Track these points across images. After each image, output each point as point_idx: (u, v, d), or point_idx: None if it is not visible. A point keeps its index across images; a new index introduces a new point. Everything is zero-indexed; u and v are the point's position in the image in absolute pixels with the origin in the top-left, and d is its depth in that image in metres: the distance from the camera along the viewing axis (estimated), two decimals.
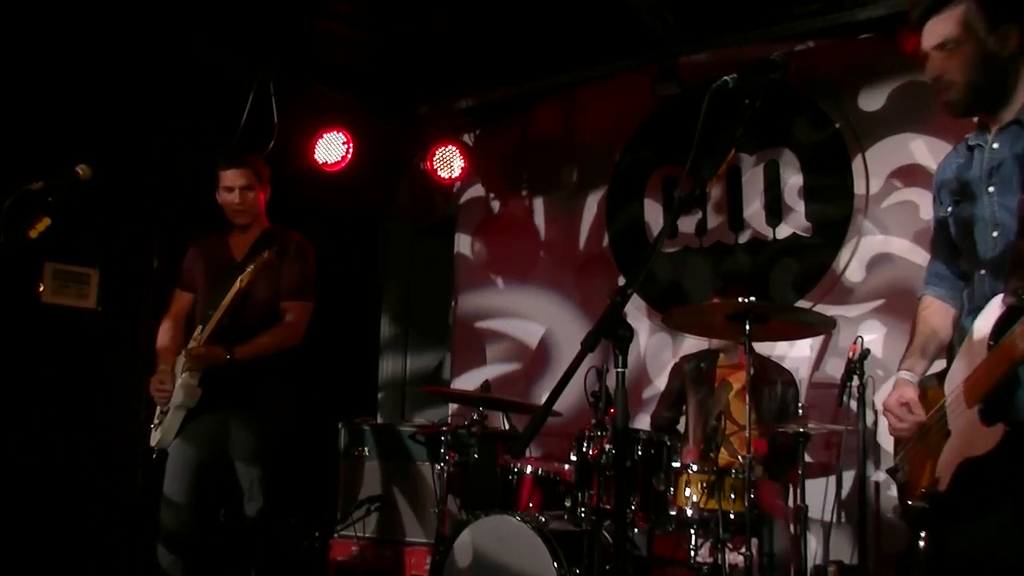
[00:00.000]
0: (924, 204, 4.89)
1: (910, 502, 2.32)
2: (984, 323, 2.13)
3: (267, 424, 3.98)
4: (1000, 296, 2.13)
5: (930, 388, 2.33)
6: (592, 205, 6.26)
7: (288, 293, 4.07)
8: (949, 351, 2.36)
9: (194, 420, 3.92)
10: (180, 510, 3.85)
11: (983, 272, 2.25)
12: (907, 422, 2.31)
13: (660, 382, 5.44)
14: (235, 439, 3.94)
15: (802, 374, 5.11)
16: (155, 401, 4.01)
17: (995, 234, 2.22)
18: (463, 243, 6.74)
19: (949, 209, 2.37)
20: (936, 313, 2.47)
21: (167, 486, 3.91)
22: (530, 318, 6.38)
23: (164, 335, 4.18)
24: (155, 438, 4.00)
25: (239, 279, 3.82)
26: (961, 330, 2.27)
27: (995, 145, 2.26)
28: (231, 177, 4.09)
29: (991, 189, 2.24)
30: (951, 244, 2.39)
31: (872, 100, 5.26)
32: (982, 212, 2.26)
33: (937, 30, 2.25)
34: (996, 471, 2.07)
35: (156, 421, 4.02)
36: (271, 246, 4.00)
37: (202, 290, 4.15)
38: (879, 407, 3.20)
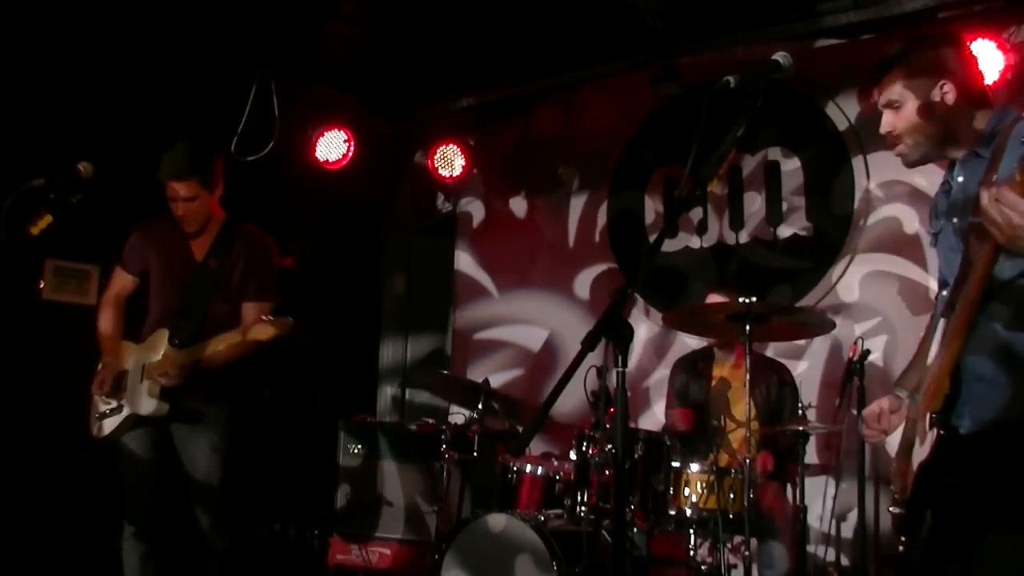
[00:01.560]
0: (922, 205, 4.90)
1: (890, 509, 2.44)
2: (936, 340, 2.34)
3: (223, 429, 3.83)
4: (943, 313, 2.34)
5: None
6: (592, 205, 6.26)
7: (249, 294, 3.89)
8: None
9: (146, 423, 3.80)
10: (145, 502, 3.80)
11: (944, 293, 2.42)
12: (874, 430, 2.48)
13: (660, 381, 5.45)
14: (191, 445, 3.81)
15: (803, 375, 5.11)
16: (100, 396, 3.86)
17: (960, 260, 2.35)
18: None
19: (933, 242, 2.57)
20: (930, 335, 2.59)
21: (131, 480, 3.81)
22: (531, 322, 6.37)
23: (106, 321, 4.02)
24: (104, 428, 3.86)
25: (235, 334, 3.64)
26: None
27: (959, 178, 2.41)
28: (172, 189, 3.81)
29: (955, 220, 2.39)
30: (941, 272, 2.56)
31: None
32: (949, 241, 2.43)
33: (885, 90, 2.45)
34: (932, 477, 2.23)
35: (103, 411, 3.88)
36: (232, 245, 3.90)
37: (157, 284, 3.95)
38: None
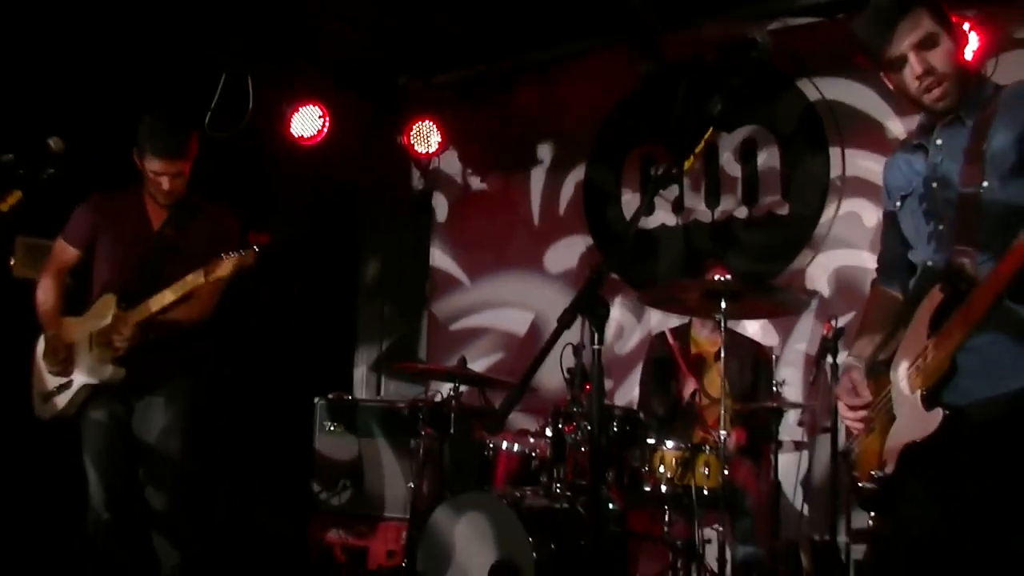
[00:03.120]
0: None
1: (860, 484, 2.41)
2: (924, 312, 2.24)
3: (183, 403, 3.74)
4: (938, 286, 2.22)
5: (880, 375, 2.39)
6: (571, 182, 6.25)
7: (202, 264, 3.66)
8: (894, 338, 2.40)
9: (104, 395, 3.69)
10: (108, 479, 3.68)
11: (929, 264, 2.34)
12: (856, 405, 2.39)
13: (635, 357, 5.47)
14: (148, 418, 3.71)
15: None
16: (52, 372, 3.73)
17: (940, 227, 2.30)
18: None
19: (898, 204, 2.45)
20: (884, 302, 2.55)
21: (91, 458, 3.69)
22: (510, 304, 6.35)
23: (47, 293, 3.84)
24: (51, 409, 3.75)
25: (197, 276, 3.54)
26: (906, 319, 2.34)
27: (938, 141, 2.33)
28: (161, 165, 3.72)
29: (934, 185, 2.32)
30: (900, 237, 2.47)
31: (852, 80, 5.26)
32: (927, 207, 2.34)
33: (915, 29, 2.24)
34: (936, 455, 2.18)
35: (51, 389, 3.75)
36: (191, 216, 3.82)
37: (108, 254, 3.82)
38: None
